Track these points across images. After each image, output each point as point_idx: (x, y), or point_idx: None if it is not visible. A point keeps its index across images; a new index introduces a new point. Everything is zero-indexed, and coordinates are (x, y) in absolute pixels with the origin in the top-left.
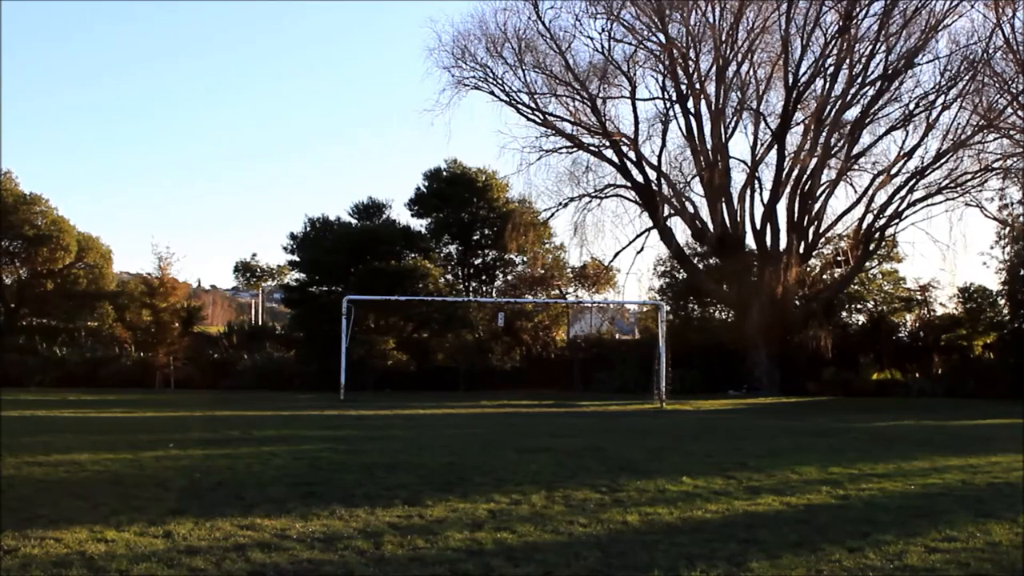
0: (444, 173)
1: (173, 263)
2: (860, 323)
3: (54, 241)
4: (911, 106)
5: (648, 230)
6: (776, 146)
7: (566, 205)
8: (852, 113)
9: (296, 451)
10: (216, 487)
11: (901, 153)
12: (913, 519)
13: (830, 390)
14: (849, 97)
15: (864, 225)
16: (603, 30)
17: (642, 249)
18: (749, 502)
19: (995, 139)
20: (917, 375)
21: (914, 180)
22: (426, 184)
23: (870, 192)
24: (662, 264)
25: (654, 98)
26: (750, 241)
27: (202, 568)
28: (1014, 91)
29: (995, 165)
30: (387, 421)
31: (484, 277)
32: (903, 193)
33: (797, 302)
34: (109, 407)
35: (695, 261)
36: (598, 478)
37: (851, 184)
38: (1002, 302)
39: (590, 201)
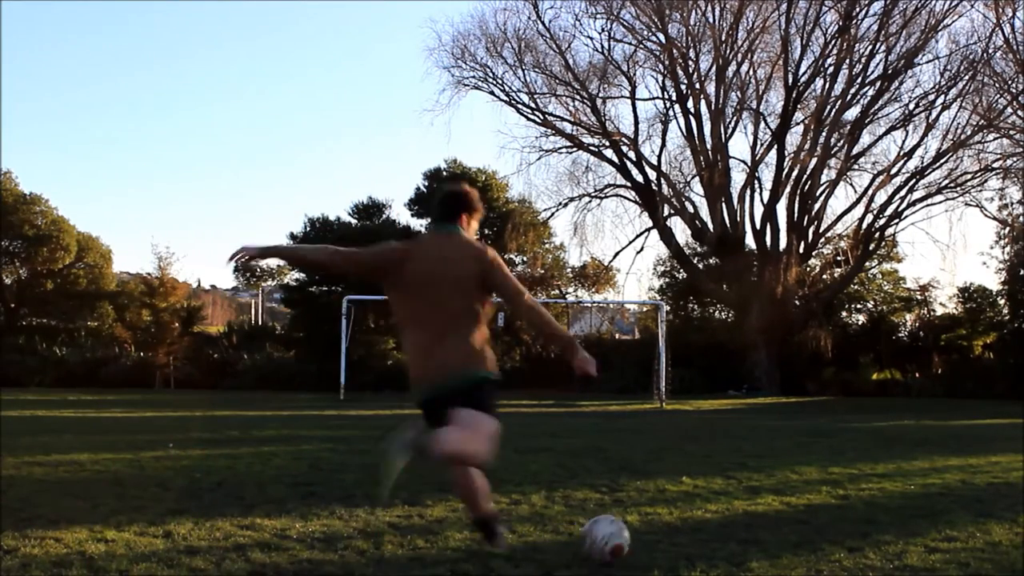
0: (444, 173)
1: (173, 263)
2: (860, 323)
3: (54, 241)
4: (911, 106)
5: (648, 230)
6: (776, 146)
7: (566, 205)
8: (852, 113)
9: (296, 451)
10: (216, 487)
11: (901, 153)
12: (913, 519)
13: (830, 390)
14: (849, 97)
15: (864, 225)
16: (603, 30)
17: (642, 249)
18: (749, 502)
19: (995, 139)
20: (917, 375)
21: (914, 180)
22: (426, 184)
23: (870, 192)
24: (662, 264)
25: (654, 98)
26: (750, 241)
27: (202, 568)
28: (1014, 91)
29: (995, 165)
30: (387, 422)
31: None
32: (903, 193)
33: (797, 302)
34: (109, 407)
35: (695, 261)
36: (598, 478)
37: (851, 184)
38: (1002, 302)
39: (590, 201)
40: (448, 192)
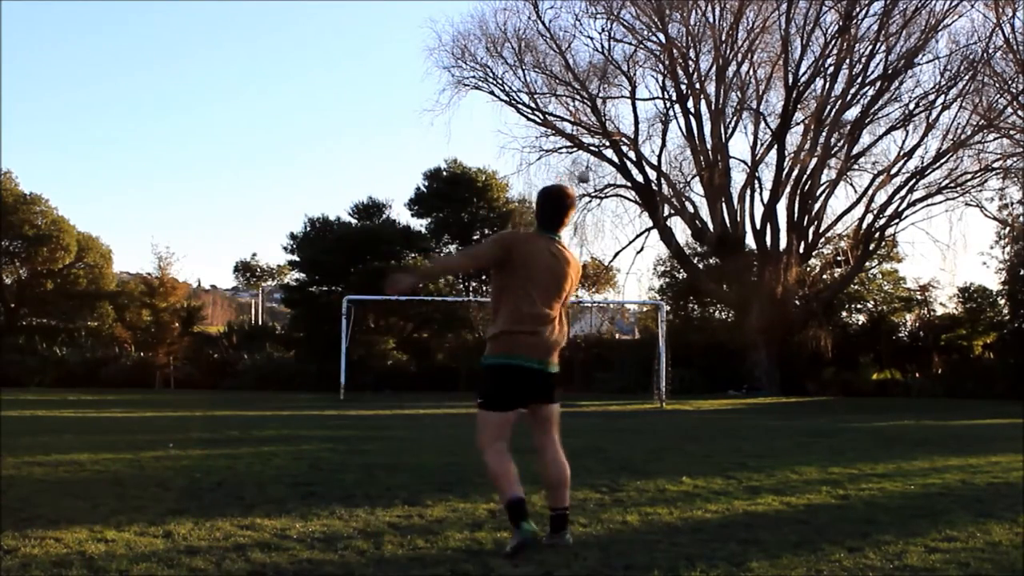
0: (444, 173)
1: (173, 263)
2: (860, 323)
3: (54, 241)
4: (911, 106)
5: (648, 230)
6: (776, 146)
7: None
8: (852, 113)
9: (296, 451)
10: (216, 487)
11: (901, 153)
12: (913, 519)
13: (830, 390)
14: (849, 97)
15: (864, 225)
16: (603, 30)
17: (642, 249)
18: (749, 502)
19: (995, 139)
20: (917, 375)
21: (914, 180)
22: (426, 184)
23: (870, 192)
24: (662, 264)
25: (654, 98)
26: (750, 241)
27: (202, 568)
28: (1014, 91)
29: (995, 165)
30: (387, 421)
31: (484, 277)
32: (903, 193)
33: (797, 302)
34: (109, 407)
35: (695, 261)
36: (598, 478)
37: (851, 184)
38: (1002, 302)
39: (590, 201)
40: (550, 197)
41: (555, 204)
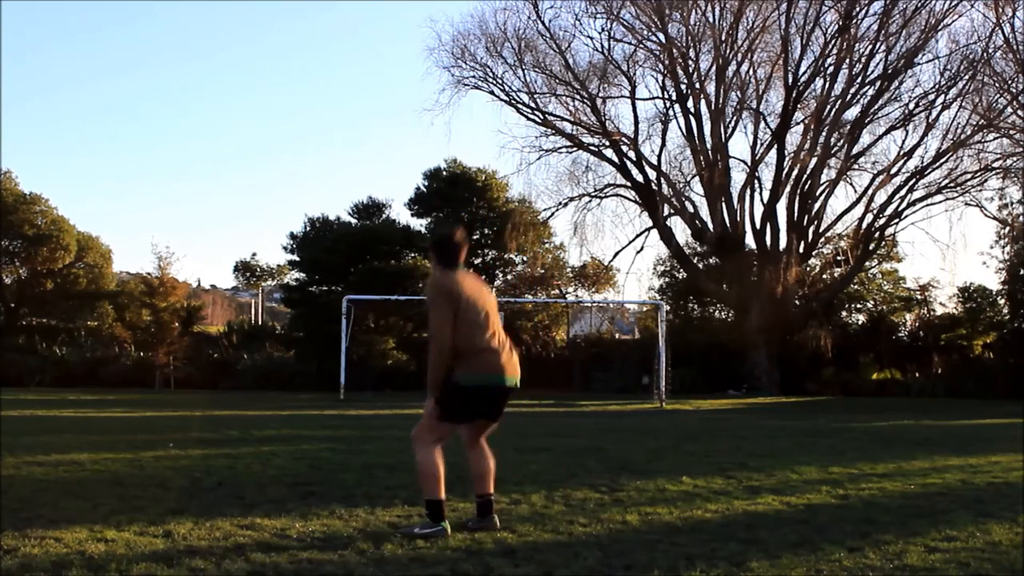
0: (444, 173)
1: (173, 263)
2: (860, 323)
3: (54, 241)
4: (911, 106)
5: (648, 230)
6: (776, 146)
7: (566, 205)
8: (852, 113)
9: (296, 451)
10: (216, 487)
11: (901, 153)
12: (913, 519)
13: (830, 390)
14: (849, 97)
15: (864, 225)
16: (603, 30)
17: (642, 249)
18: (749, 502)
19: (995, 139)
20: (917, 375)
21: (914, 180)
22: (426, 184)
23: (870, 192)
24: (662, 264)
25: (654, 98)
26: (750, 241)
27: (202, 568)
28: (1014, 91)
29: (995, 165)
30: (387, 421)
31: (484, 277)
32: (903, 193)
33: (797, 302)
34: (109, 407)
35: (695, 261)
36: (598, 478)
37: (851, 184)
38: (1002, 302)
39: (590, 201)
40: (452, 242)
41: (454, 247)
